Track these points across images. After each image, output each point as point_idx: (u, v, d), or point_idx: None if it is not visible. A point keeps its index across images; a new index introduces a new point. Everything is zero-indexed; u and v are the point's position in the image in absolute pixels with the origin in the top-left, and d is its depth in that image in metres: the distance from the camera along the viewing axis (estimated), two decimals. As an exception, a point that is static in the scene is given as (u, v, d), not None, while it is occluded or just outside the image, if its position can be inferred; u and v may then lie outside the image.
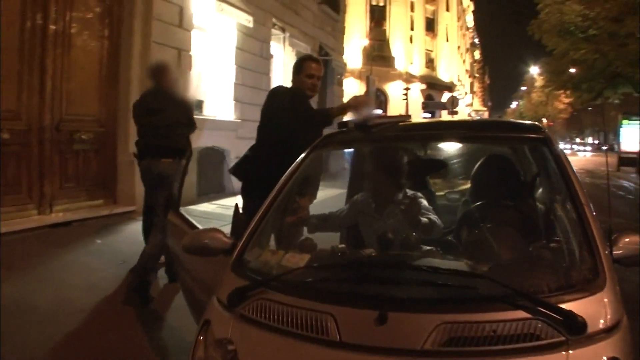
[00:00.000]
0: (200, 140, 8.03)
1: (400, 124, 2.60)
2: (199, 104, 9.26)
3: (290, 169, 2.35)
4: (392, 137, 2.52)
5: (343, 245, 2.24)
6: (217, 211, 8.02)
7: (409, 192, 2.82)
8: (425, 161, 3.08)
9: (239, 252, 1.97)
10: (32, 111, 6.05)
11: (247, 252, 1.98)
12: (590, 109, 56.97)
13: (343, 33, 17.10)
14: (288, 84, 3.94)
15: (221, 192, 9.68)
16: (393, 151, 2.79)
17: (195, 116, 4.83)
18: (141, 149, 4.51)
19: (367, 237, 2.68)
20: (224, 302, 1.77)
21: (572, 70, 21.90)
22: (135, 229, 6.28)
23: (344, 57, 17.68)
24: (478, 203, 2.57)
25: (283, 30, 12.51)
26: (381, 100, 42.96)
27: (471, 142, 2.65)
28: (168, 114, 4.38)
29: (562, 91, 51.54)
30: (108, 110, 7.12)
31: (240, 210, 2.45)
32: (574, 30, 19.42)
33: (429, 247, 2.17)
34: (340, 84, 16.84)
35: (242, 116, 10.22)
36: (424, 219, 2.53)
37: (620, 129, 21.89)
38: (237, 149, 8.97)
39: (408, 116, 2.95)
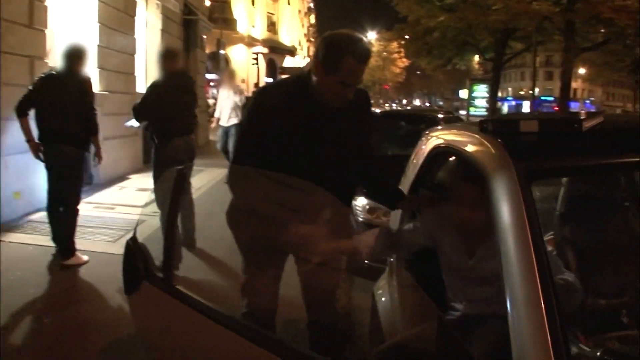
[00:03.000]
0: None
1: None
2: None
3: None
4: None
5: None
6: (97, 214, 6.19)
7: None
8: None
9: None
10: None
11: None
12: (418, 72, 61.56)
13: (205, -11, 15.15)
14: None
15: (88, 184, 7.66)
16: None
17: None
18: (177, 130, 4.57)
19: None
20: None
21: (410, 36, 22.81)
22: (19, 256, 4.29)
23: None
24: None
25: (144, -19, 10.36)
26: (223, 66, 40.92)
27: None
28: (191, 96, 4.80)
29: (397, 56, 54.78)
30: None
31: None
32: (432, -2, 19.92)
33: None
34: (203, 48, 14.96)
35: (108, 87, 8.16)
36: (559, 279, 1.49)
37: (473, 94, 23.33)
38: (103, 129, 7.06)
39: (599, 113, 1.78)
